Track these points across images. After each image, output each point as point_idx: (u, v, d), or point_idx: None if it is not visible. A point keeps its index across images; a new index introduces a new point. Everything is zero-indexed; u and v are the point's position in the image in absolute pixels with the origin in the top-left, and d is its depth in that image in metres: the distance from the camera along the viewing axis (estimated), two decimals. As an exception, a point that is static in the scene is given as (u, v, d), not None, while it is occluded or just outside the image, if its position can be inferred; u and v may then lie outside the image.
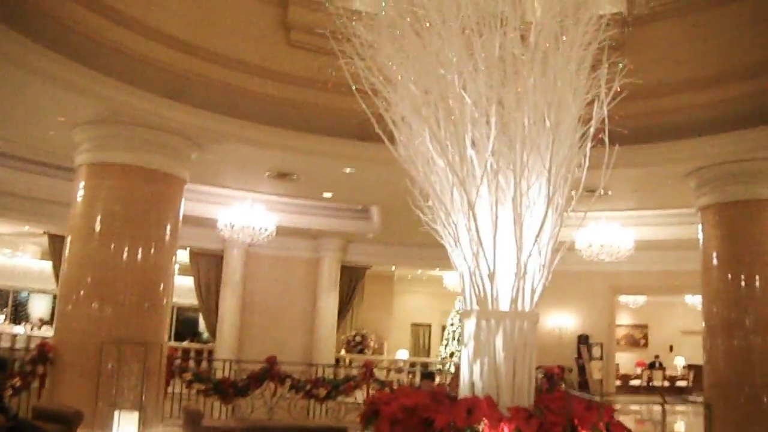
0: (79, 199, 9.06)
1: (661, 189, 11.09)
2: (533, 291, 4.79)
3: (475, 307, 4.79)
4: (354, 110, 8.90)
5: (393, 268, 20.88)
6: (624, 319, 24.80)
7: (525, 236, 4.67)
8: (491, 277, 4.68)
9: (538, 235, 4.66)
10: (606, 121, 4.94)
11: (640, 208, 12.93)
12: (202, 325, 19.70)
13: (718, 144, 9.03)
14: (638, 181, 10.80)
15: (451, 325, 22.04)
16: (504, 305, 4.73)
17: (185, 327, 21.25)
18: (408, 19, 4.88)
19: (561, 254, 4.88)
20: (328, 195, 13.00)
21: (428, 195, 5.06)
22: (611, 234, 12.82)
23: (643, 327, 25.96)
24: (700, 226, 10.00)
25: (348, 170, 10.69)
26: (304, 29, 8.81)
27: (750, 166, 9.29)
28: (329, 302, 16.67)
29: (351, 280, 17.51)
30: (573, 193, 4.93)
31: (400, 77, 4.96)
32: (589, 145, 4.93)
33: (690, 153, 9.36)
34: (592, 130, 4.92)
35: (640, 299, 23.38)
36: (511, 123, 4.71)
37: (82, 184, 9.09)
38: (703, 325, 9.85)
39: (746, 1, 8.31)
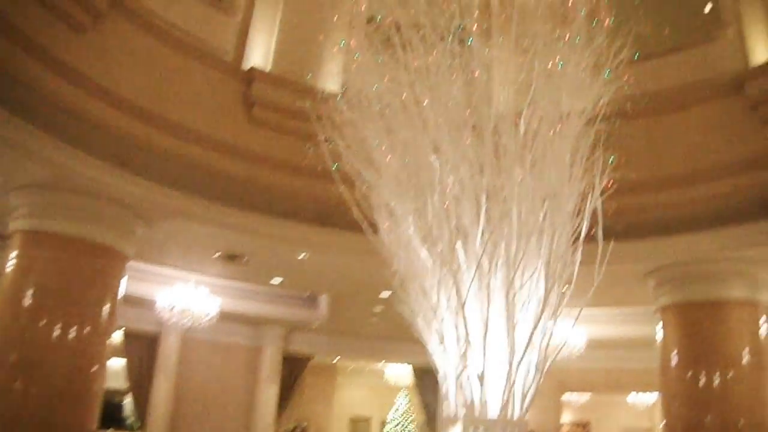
0: (9, 269, 8.28)
1: (618, 287, 10.95)
2: (524, 395, 4.39)
3: (461, 412, 4.34)
4: (313, 193, 8.65)
5: (336, 359, 20.22)
6: (565, 417, 24.39)
7: (517, 336, 4.30)
8: (481, 379, 4.26)
9: (531, 335, 4.30)
10: (600, 215, 4.74)
11: (594, 305, 12.76)
12: (127, 410, 18.48)
13: (680, 244, 8.97)
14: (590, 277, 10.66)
15: (392, 420, 21.28)
16: (493, 411, 4.30)
17: (109, 412, 19.87)
18: (404, 95, 4.58)
19: (555, 355, 4.53)
20: (277, 281, 12.45)
21: (409, 288, 4.67)
22: (564, 332, 12.57)
23: (585, 425, 25.54)
24: (659, 326, 9.87)
25: (302, 256, 10.23)
26: (267, 106, 8.52)
27: (711, 267, 9.26)
28: (269, 394, 15.89)
29: (292, 371, 16.78)
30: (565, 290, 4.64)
31: (388, 158, 4.62)
32: (582, 239, 4.67)
33: (651, 252, 9.27)
34: (585, 224, 4.69)
35: (584, 396, 23.09)
36: (504, 216, 4.41)
37: (14, 253, 8.33)
38: (663, 425, 9.65)
39: (711, 104, 8.44)
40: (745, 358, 8.93)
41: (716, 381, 8.93)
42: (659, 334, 9.84)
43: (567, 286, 4.64)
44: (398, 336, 15.10)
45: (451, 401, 4.45)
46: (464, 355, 4.28)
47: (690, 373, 9.13)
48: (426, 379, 16.73)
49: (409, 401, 21.14)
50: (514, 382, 4.31)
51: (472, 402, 4.29)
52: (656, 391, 12.36)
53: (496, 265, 4.37)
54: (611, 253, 9.41)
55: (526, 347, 4.30)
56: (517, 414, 4.36)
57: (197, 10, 8.92)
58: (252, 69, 8.80)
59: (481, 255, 4.31)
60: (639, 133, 8.48)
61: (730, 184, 8.09)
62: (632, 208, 8.52)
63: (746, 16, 8.74)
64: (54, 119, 7.22)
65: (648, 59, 8.12)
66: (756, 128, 8.14)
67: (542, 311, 4.34)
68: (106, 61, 7.38)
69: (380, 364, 20.28)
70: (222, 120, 8.41)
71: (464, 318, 4.25)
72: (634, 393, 20.87)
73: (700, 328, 9.28)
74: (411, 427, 21.04)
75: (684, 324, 9.46)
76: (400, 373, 20.11)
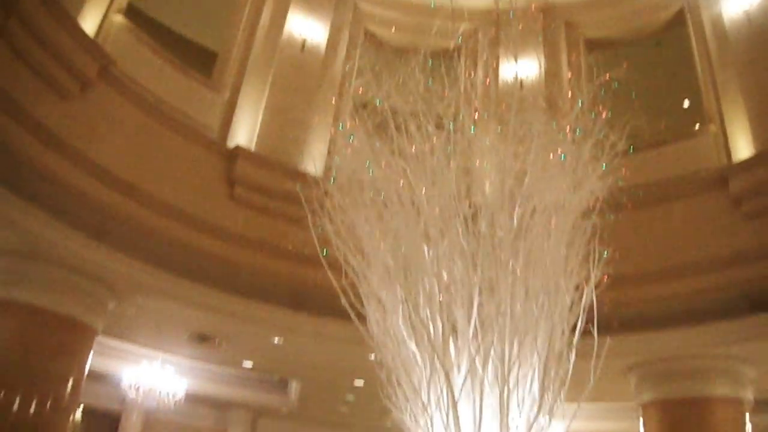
0: (-29, 336, 7.87)
1: (599, 382, 10.70)
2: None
3: None
4: (290, 276, 8.44)
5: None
6: None
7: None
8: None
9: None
10: (595, 309, 4.62)
11: (572, 400, 12.47)
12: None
13: (663, 339, 8.84)
14: (576, 372, 10.43)
15: None
16: None
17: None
18: (395, 181, 4.46)
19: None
20: (248, 364, 12.01)
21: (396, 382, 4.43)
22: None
23: None
24: (641, 422, 9.61)
25: (276, 340, 9.89)
26: (250, 185, 8.39)
27: (695, 363, 9.11)
28: (232, 480, 15.18)
29: (258, 458, 16.10)
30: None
31: (381, 245, 4.45)
32: (578, 334, 4.52)
33: (633, 347, 9.10)
34: (581, 319, 4.54)
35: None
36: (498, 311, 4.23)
37: (-22, 320, 7.92)
38: None
39: (695, 198, 8.49)
40: (731, 458, 8.73)
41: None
42: (641, 431, 9.58)
43: (562, 385, 4.46)
44: (367, 426, 14.67)
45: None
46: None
47: (673, 470, 8.88)
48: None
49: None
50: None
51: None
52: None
53: (490, 362, 4.17)
54: (592, 347, 9.28)
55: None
56: None
57: (185, 86, 8.89)
58: (236, 147, 8.70)
59: (475, 353, 4.11)
60: (624, 227, 8.49)
61: (714, 280, 8.04)
62: (615, 301, 8.43)
63: (728, 113, 8.92)
64: (30, 185, 6.97)
65: (634, 152, 8.20)
66: (740, 223, 8.17)
67: (538, 411, 4.12)
68: (91, 130, 7.25)
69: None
70: (203, 197, 8.24)
71: (456, 417, 4.01)
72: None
73: (683, 425, 9.06)
74: None
75: (667, 421, 9.21)
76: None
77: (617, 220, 8.09)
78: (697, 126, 9.92)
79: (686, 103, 11.27)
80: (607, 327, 4.80)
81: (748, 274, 7.92)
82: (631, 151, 5.07)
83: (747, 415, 9.07)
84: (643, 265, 8.36)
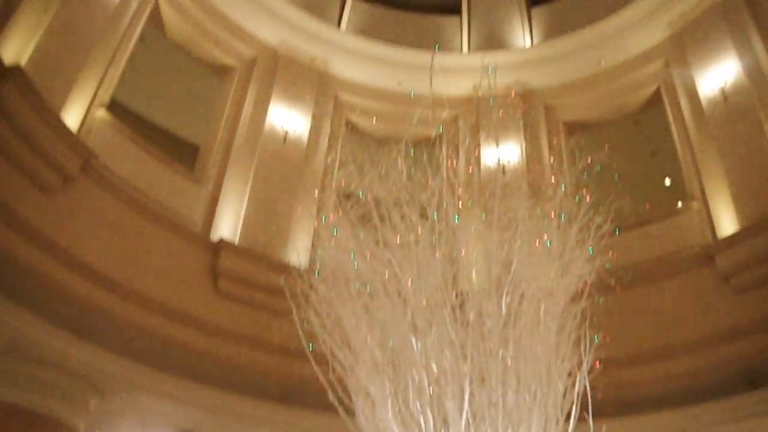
0: (-52, 438, 7.57)
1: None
2: None
3: None
4: (276, 370, 8.28)
5: None
6: None
7: None
8: None
9: None
10: (588, 394, 4.52)
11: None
12: None
13: (657, 422, 8.65)
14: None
15: None
16: None
17: None
18: (379, 272, 4.42)
19: None
20: (234, 460, 11.62)
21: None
22: None
23: None
24: None
25: (263, 436, 9.61)
26: (233, 278, 8.31)
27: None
28: None
29: None
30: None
31: (368, 338, 4.37)
32: (573, 422, 4.40)
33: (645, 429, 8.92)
34: (575, 407, 4.44)
35: None
36: (491, 401, 4.13)
37: (-44, 422, 7.64)
38: None
39: (683, 276, 8.47)
40: None
41: None
42: None
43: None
44: None
45: None
46: None
47: None
48: None
49: None
50: None
51: None
52: None
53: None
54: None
55: None
56: None
57: (168, 179, 8.90)
58: (220, 240, 8.66)
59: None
60: (614, 309, 8.43)
61: (708, 358, 7.94)
62: (608, 385, 8.28)
63: (710, 189, 9.00)
64: (11, 280, 6.87)
65: (620, 233, 8.24)
66: (729, 299, 8.13)
67: None
68: (73, 224, 7.20)
69: None
70: (187, 291, 8.14)
71: None
72: None
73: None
74: None
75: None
76: None
77: (606, 302, 8.05)
78: (679, 204, 10.00)
79: (668, 182, 11.40)
80: (602, 412, 4.67)
81: (741, 350, 7.84)
82: (617, 232, 5.07)
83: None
84: (635, 346, 8.26)
